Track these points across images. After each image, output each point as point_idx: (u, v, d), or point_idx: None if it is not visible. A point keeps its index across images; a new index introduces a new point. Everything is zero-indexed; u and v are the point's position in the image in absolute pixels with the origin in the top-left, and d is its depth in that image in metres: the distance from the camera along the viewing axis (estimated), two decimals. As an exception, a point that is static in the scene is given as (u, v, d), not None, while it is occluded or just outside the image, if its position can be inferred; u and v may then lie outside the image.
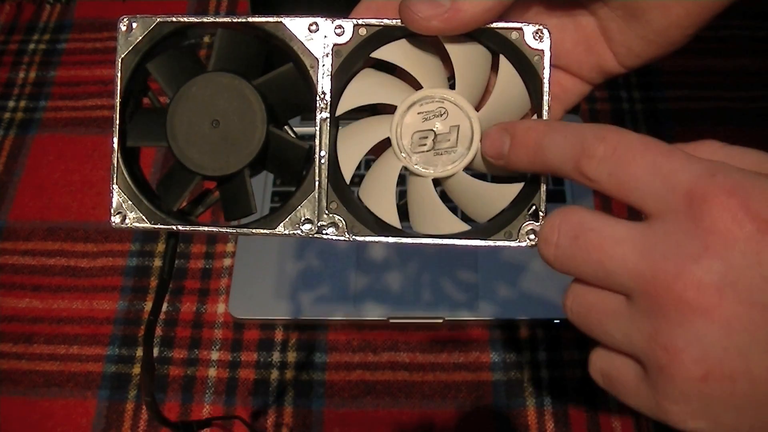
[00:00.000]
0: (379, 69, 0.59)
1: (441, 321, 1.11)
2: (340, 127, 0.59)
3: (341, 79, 0.57)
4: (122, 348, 1.16)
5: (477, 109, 0.57)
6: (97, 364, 1.15)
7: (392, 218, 0.58)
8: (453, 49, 0.55)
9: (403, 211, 0.58)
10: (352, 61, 0.57)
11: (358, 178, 0.58)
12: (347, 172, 0.58)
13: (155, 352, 1.14)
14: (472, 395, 1.08)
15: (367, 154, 0.59)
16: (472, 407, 1.07)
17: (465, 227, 0.57)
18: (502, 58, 0.56)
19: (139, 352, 1.15)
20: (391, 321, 1.12)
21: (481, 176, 0.59)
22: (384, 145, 0.58)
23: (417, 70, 0.57)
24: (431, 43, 0.57)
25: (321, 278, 1.16)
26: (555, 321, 1.10)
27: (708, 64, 1.36)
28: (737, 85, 1.34)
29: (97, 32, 1.53)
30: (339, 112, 0.57)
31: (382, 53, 0.57)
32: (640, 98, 1.34)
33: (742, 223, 0.42)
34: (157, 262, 1.23)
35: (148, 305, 1.19)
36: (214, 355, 1.14)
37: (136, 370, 1.14)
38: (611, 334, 0.48)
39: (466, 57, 0.56)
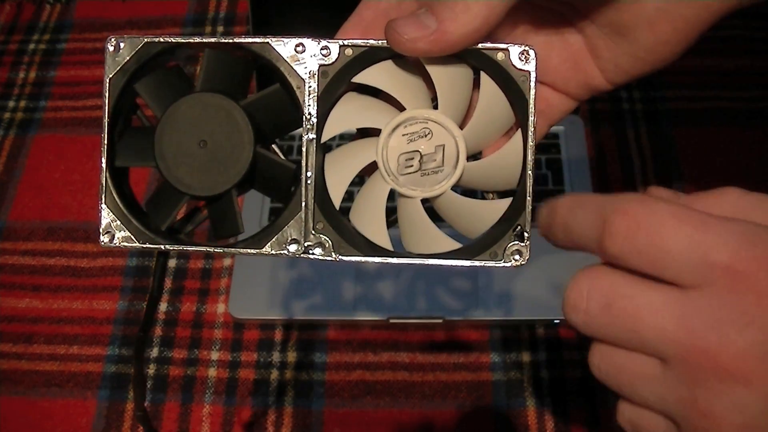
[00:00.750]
0: (362, 92, 0.58)
1: (441, 321, 1.11)
2: (326, 153, 0.59)
3: (327, 100, 0.57)
4: (122, 348, 1.16)
5: (461, 127, 0.56)
6: (97, 364, 1.15)
7: (383, 240, 0.58)
8: (434, 69, 0.55)
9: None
10: (339, 81, 0.56)
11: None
12: (336, 198, 0.58)
13: (155, 352, 1.14)
14: (472, 395, 1.08)
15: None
16: (472, 407, 1.08)
17: (456, 245, 0.57)
18: (483, 75, 0.55)
19: (140, 352, 1.15)
20: (391, 321, 1.12)
21: (469, 193, 0.59)
22: (373, 165, 0.57)
23: (399, 92, 0.56)
24: (413, 64, 0.57)
25: (321, 278, 1.16)
26: (555, 321, 1.10)
27: (708, 64, 1.36)
28: (737, 85, 1.34)
29: (97, 32, 1.53)
30: (324, 138, 0.57)
31: (364, 77, 0.57)
32: (640, 98, 1.34)
33: None
34: (157, 262, 1.24)
35: (148, 305, 1.19)
36: (214, 355, 1.14)
37: (137, 370, 1.14)
38: (644, 396, 0.47)
39: (448, 75, 0.55)
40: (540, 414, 1.06)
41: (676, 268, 0.44)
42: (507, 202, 0.57)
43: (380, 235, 0.58)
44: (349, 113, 0.58)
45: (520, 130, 0.56)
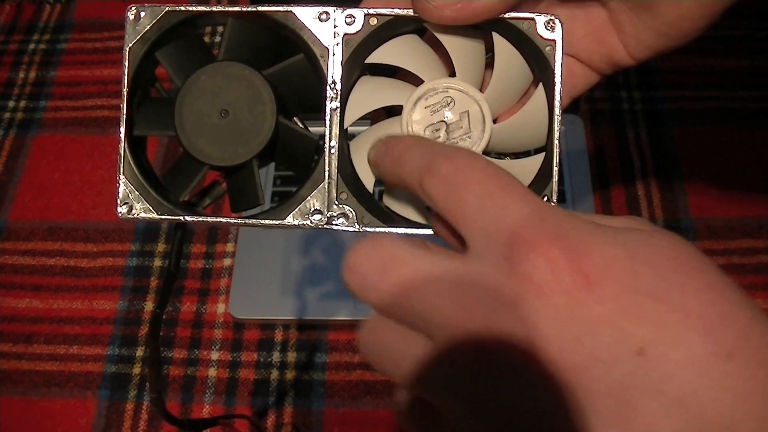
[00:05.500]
0: (375, 74, 0.58)
1: (441, 321, 1.10)
2: (350, 141, 0.58)
3: (351, 69, 0.56)
4: (122, 348, 1.16)
5: (481, 90, 0.56)
6: (97, 364, 1.15)
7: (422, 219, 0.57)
8: (445, 37, 0.55)
9: None
10: (363, 51, 0.56)
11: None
12: (369, 184, 0.57)
13: (155, 351, 1.14)
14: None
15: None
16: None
17: None
18: (496, 35, 0.55)
19: (139, 352, 1.15)
20: (392, 321, 1.11)
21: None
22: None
23: (415, 66, 0.56)
24: (424, 38, 0.57)
25: (321, 278, 1.16)
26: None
27: (708, 64, 1.36)
28: (737, 85, 1.34)
29: (97, 32, 1.53)
30: (346, 124, 0.57)
31: (377, 57, 0.56)
32: (640, 98, 1.34)
33: (559, 274, 0.39)
34: (157, 262, 1.24)
35: (149, 305, 1.20)
36: (214, 355, 1.14)
37: (136, 370, 1.14)
38: (409, 381, 0.45)
39: (460, 42, 0.55)
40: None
41: (468, 220, 0.43)
42: (539, 158, 0.56)
43: (420, 216, 0.57)
44: (368, 95, 0.57)
45: (541, 85, 0.56)
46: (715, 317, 0.38)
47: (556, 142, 0.55)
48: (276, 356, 1.14)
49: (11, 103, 1.44)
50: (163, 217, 0.57)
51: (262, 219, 0.57)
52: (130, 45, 0.57)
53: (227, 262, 1.22)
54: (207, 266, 1.22)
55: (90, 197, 1.31)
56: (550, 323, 0.39)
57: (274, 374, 1.12)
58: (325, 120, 0.56)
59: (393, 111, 0.58)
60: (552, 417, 0.39)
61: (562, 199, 1.18)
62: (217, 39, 1.40)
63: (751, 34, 1.40)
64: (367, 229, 0.56)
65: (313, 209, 0.56)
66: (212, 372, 1.13)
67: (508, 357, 0.40)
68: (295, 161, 0.58)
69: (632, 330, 0.38)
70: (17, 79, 1.48)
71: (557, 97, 0.55)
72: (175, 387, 1.12)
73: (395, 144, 0.50)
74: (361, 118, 0.57)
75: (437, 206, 0.45)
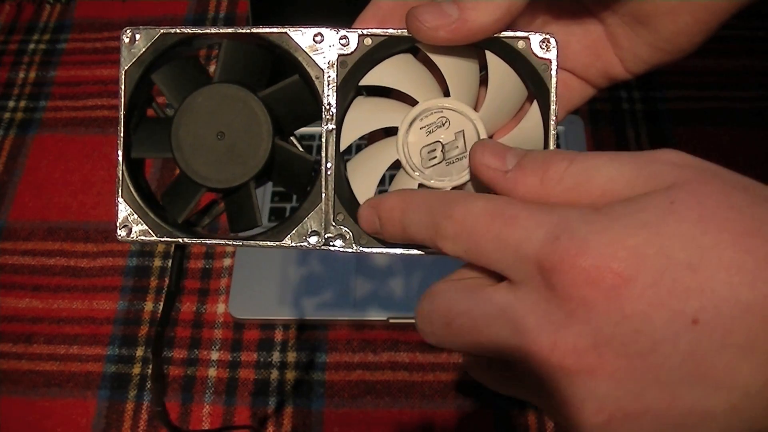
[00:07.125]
0: (371, 94, 0.58)
1: (441, 321, 1.10)
2: (347, 161, 0.58)
3: (347, 90, 0.56)
4: (122, 348, 1.16)
5: (476, 108, 0.56)
6: (97, 364, 1.15)
7: None
8: (439, 57, 0.55)
9: None
10: (358, 71, 0.56)
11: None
12: None
13: (156, 351, 1.15)
14: (472, 395, 1.08)
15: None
16: (472, 407, 1.07)
17: None
18: (489, 53, 0.55)
19: (140, 352, 1.15)
20: (391, 321, 1.12)
21: None
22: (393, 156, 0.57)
23: (409, 87, 0.56)
24: (417, 58, 0.57)
25: (321, 278, 1.16)
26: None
27: (708, 64, 1.36)
28: (737, 85, 1.34)
29: (97, 32, 1.53)
30: (343, 146, 0.57)
31: (371, 78, 0.56)
32: (640, 98, 1.34)
33: (595, 283, 0.41)
34: (157, 262, 1.24)
35: (149, 305, 1.20)
36: (214, 355, 1.14)
37: (136, 370, 1.14)
38: (517, 396, 0.49)
39: (454, 61, 0.55)
40: (540, 414, 1.06)
41: (498, 264, 0.46)
42: None
43: None
44: (362, 117, 0.57)
45: (536, 101, 0.55)
46: (756, 264, 0.39)
47: (551, 162, 0.55)
48: (276, 356, 1.14)
49: (11, 103, 1.44)
50: (162, 239, 0.57)
51: (260, 240, 0.57)
52: (126, 68, 0.57)
53: (227, 262, 1.22)
54: (207, 266, 1.22)
55: (90, 197, 1.32)
56: (607, 328, 0.41)
57: (274, 374, 1.13)
58: (321, 142, 0.56)
59: (390, 130, 0.57)
60: (640, 398, 0.41)
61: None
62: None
63: (750, 34, 1.39)
64: (365, 249, 0.56)
65: (310, 231, 0.56)
66: (212, 372, 1.13)
67: (584, 367, 0.42)
68: (292, 182, 0.58)
69: (680, 306, 0.39)
70: (17, 79, 1.48)
71: (552, 117, 0.55)
72: (175, 387, 1.12)
73: (389, 212, 0.52)
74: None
75: (464, 260, 0.48)
